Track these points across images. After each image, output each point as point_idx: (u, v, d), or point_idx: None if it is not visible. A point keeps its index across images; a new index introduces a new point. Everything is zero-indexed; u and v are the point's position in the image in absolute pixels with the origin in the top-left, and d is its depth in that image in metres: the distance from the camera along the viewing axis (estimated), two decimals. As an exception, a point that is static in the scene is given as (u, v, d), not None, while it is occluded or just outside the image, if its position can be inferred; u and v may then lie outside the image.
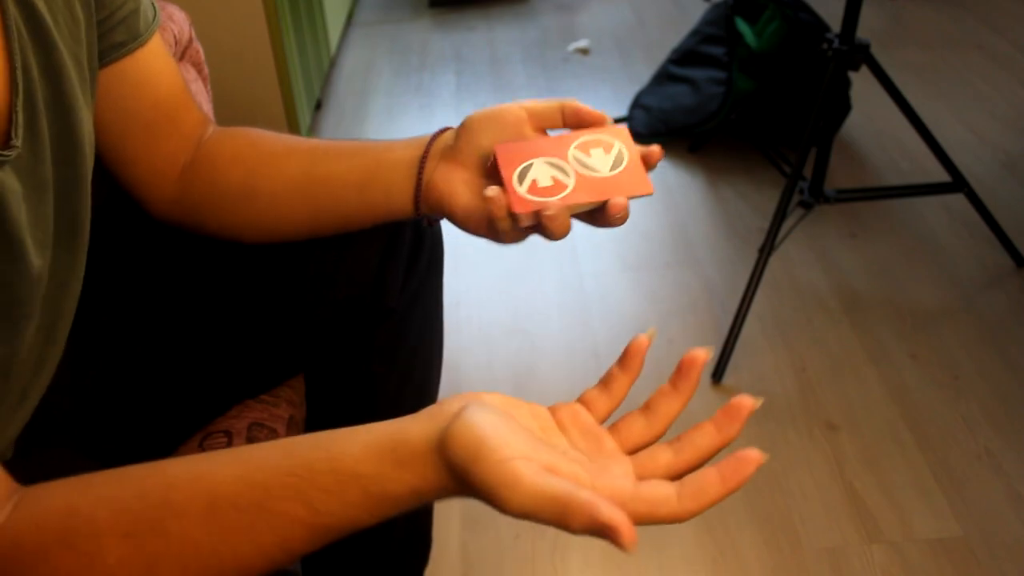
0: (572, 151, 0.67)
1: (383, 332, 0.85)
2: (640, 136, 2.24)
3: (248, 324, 0.82)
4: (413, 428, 0.47)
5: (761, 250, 1.58)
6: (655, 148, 0.68)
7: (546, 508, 0.42)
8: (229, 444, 0.82)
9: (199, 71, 1.25)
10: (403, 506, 0.48)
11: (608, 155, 0.67)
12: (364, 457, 0.47)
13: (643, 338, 0.52)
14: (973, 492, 1.33)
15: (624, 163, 0.67)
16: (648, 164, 0.67)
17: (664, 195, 2.05)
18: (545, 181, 0.66)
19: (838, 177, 2.06)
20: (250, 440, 0.83)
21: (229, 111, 1.90)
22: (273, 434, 0.84)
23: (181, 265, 0.83)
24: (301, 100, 2.08)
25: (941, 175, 1.73)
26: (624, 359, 0.53)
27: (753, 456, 0.44)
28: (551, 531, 1.30)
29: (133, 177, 0.76)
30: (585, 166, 0.67)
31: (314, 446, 0.49)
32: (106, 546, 0.48)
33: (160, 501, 0.49)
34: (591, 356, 1.61)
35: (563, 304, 1.73)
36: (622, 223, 0.66)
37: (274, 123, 1.99)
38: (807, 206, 1.68)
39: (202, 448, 0.82)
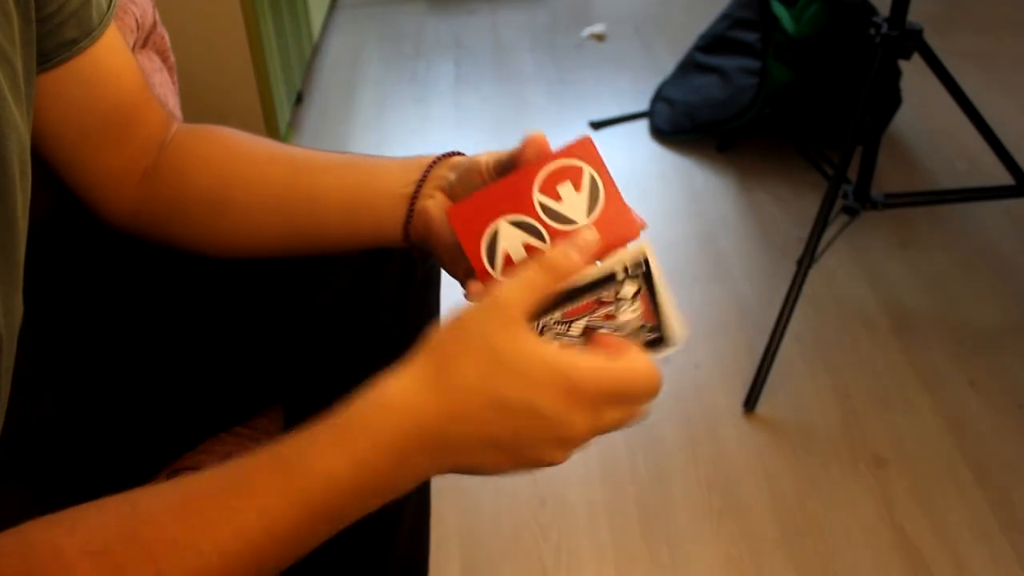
0: (537, 197, 0.61)
1: (371, 353, 0.86)
2: (663, 134, 2.25)
3: (220, 347, 0.83)
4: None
5: (799, 262, 1.58)
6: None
7: None
8: (198, 481, 0.82)
9: (164, 60, 1.25)
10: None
11: (580, 192, 0.61)
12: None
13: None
14: (1041, 537, 1.33)
15: (600, 197, 0.61)
16: None
17: (690, 201, 2.05)
18: (518, 253, 0.61)
19: (887, 180, 2.07)
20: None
21: (198, 105, 1.91)
22: (248, 470, 0.85)
23: (142, 280, 0.83)
24: (280, 92, 2.09)
25: (1003, 177, 1.74)
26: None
27: None
28: (551, 531, 1.35)
29: (88, 185, 0.76)
30: (557, 217, 0.61)
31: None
32: (72, 564, 0.48)
33: (127, 512, 0.50)
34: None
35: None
36: None
37: (249, 118, 2.00)
38: (852, 212, 1.68)
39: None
